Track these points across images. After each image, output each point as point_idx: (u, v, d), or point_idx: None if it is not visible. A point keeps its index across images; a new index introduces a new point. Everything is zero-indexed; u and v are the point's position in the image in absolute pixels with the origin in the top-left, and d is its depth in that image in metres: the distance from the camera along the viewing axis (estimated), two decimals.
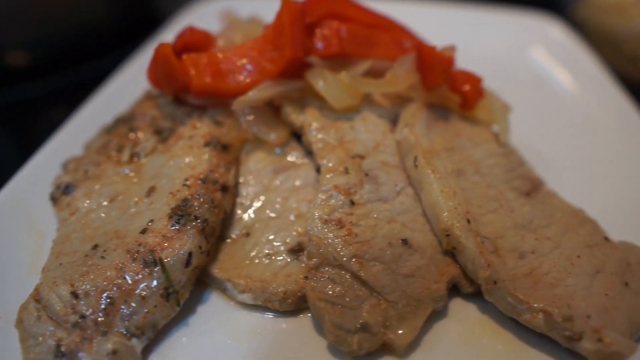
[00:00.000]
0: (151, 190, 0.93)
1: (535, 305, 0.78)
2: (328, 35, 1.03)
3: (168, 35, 1.54)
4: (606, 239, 0.90)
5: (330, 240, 0.84)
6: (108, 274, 0.81)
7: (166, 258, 0.82)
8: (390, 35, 1.09)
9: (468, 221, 0.86)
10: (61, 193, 0.97)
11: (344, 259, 0.83)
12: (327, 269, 0.83)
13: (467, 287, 0.87)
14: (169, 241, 0.84)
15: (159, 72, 1.01)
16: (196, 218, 0.87)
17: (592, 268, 0.84)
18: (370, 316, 0.79)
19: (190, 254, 0.83)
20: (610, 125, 1.23)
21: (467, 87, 1.03)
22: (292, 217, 0.95)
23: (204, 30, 1.09)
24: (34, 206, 1.01)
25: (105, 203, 0.94)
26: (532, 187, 0.98)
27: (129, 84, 1.29)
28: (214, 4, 1.71)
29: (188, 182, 0.91)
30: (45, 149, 1.11)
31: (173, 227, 0.85)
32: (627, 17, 1.46)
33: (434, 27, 1.51)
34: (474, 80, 1.04)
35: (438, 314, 0.86)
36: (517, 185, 0.97)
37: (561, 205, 0.95)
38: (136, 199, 0.93)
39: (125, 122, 1.07)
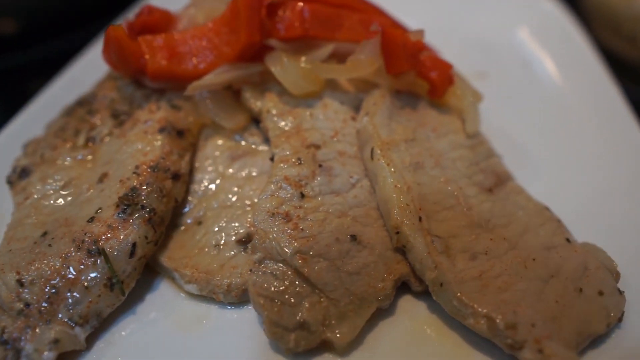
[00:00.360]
0: (103, 177, 0.92)
1: (480, 310, 0.75)
2: (290, 17, 0.99)
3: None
4: (568, 240, 0.86)
5: (275, 235, 0.82)
6: (53, 263, 0.81)
7: (110, 248, 0.82)
8: (359, 16, 1.04)
9: (420, 219, 0.83)
10: (17, 177, 0.97)
11: (288, 254, 0.81)
12: (269, 263, 0.82)
13: (417, 285, 0.85)
14: (114, 231, 0.83)
15: (112, 55, 0.98)
16: (143, 208, 0.86)
17: (546, 272, 0.81)
18: (309, 314, 0.78)
19: (134, 245, 0.83)
20: (594, 117, 1.15)
21: (435, 74, 0.97)
22: (245, 207, 0.93)
23: (163, 10, 1.05)
24: None
25: (58, 188, 0.94)
26: (496, 182, 0.93)
27: (96, 61, 1.27)
28: None
29: (138, 170, 0.90)
30: (8, 129, 1.11)
31: (119, 217, 0.84)
32: None
33: (420, 7, 1.45)
34: (444, 67, 0.98)
35: (386, 312, 0.85)
36: (480, 180, 0.93)
37: (525, 202, 0.91)
38: (88, 186, 0.92)
39: (84, 105, 1.06)
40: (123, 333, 0.84)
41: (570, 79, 1.28)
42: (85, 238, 0.83)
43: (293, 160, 0.90)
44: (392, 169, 0.87)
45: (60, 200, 0.92)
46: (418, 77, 0.99)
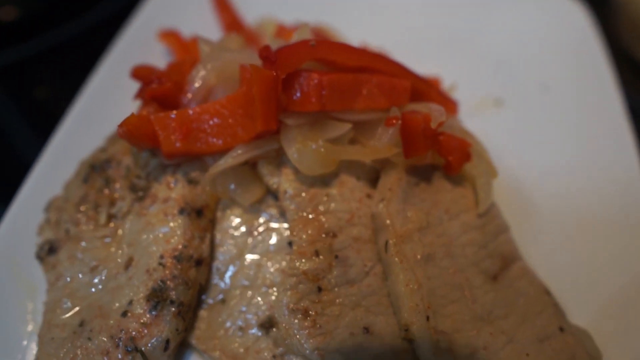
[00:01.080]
0: (129, 262, 0.97)
1: None
2: (307, 90, 0.95)
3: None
4: (561, 329, 0.95)
5: (296, 332, 0.90)
6: (95, 358, 0.90)
7: (145, 346, 0.90)
8: (378, 79, 0.99)
9: (427, 318, 0.91)
10: (46, 253, 1.02)
11: (307, 351, 0.90)
12: (291, 357, 0.91)
13: None
14: (148, 328, 0.91)
15: (130, 134, 0.96)
16: (172, 302, 0.92)
17: None
18: None
19: (167, 341, 0.91)
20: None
21: (452, 156, 0.97)
22: (265, 288, 1.00)
23: (174, 77, 1.00)
24: (24, 256, 1.06)
25: (88, 271, 0.99)
26: (502, 266, 0.99)
27: (105, 95, 1.23)
28: None
29: (163, 261, 0.94)
30: (25, 190, 1.12)
31: (151, 314, 0.91)
32: None
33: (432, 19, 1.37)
34: (462, 146, 0.97)
35: None
36: (487, 267, 0.98)
37: (526, 288, 0.98)
38: (116, 271, 0.97)
39: (100, 171, 1.06)
40: None
41: (590, 107, 1.26)
42: (122, 335, 0.90)
43: (310, 252, 0.94)
44: (405, 266, 0.92)
45: (91, 284, 0.98)
46: (436, 153, 0.99)
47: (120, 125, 0.94)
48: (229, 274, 1.02)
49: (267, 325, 0.97)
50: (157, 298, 0.92)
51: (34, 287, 1.04)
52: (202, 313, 1.00)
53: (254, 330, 0.97)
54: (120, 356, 0.90)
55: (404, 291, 0.91)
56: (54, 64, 1.59)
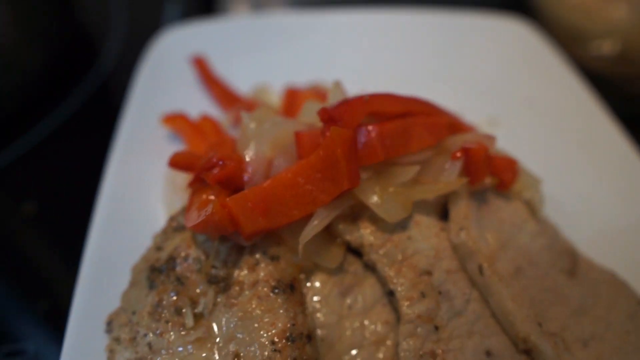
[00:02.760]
0: (236, 358, 0.90)
1: None
2: (371, 144, 0.98)
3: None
4: (639, 303, 1.05)
5: None
6: None
7: None
8: (421, 121, 1.06)
9: (540, 325, 0.96)
10: None
11: None
12: None
13: None
14: None
15: (208, 226, 0.91)
16: None
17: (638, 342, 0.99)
18: None
19: None
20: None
21: (506, 174, 1.06)
22: (373, 343, 0.98)
23: (235, 157, 0.97)
24: None
25: None
26: (573, 262, 1.08)
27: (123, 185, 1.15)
28: (167, 42, 1.49)
29: (276, 346, 0.89)
30: (75, 308, 0.99)
31: None
32: (592, 17, 1.52)
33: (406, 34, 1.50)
34: (511, 164, 1.07)
35: None
36: (563, 266, 1.07)
37: (599, 276, 1.08)
38: None
39: (166, 273, 0.98)
40: None
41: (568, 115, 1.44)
42: None
43: (416, 295, 0.95)
44: (505, 284, 0.97)
45: None
46: (490, 176, 1.07)
47: (199, 216, 0.90)
48: (334, 342, 0.98)
49: None
50: None
51: None
52: None
53: None
54: None
55: (512, 306, 0.95)
56: (33, 172, 1.44)
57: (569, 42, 1.60)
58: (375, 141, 0.98)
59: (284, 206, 0.95)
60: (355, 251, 1.05)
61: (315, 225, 0.95)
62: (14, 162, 1.44)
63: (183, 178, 1.17)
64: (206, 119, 1.31)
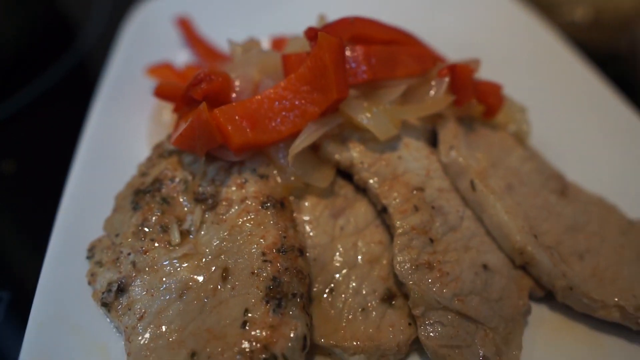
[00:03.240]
0: (225, 273, 0.85)
1: (609, 302, 0.90)
2: (358, 63, 0.98)
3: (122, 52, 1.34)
4: (630, 222, 1.05)
5: (429, 286, 0.86)
6: None
7: (283, 350, 0.78)
8: (408, 50, 1.07)
9: (535, 237, 0.94)
10: (114, 297, 0.85)
11: (447, 300, 0.86)
12: (431, 314, 0.86)
13: (540, 293, 0.96)
14: (279, 329, 0.79)
15: (194, 134, 0.88)
16: (294, 295, 0.82)
17: (633, 254, 0.98)
18: (485, 349, 0.85)
19: (305, 337, 0.80)
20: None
21: (491, 98, 1.07)
22: (369, 263, 0.94)
23: (221, 73, 0.96)
24: (78, 312, 0.87)
25: (175, 298, 0.84)
26: (562, 185, 1.08)
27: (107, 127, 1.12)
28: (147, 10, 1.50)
29: (267, 257, 0.85)
30: (55, 238, 0.94)
31: (275, 314, 0.80)
32: None
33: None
34: (496, 90, 1.08)
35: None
36: (553, 187, 1.06)
37: (589, 198, 1.08)
38: (211, 287, 0.84)
39: (151, 194, 0.94)
40: None
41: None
42: (253, 347, 0.77)
43: (409, 209, 0.93)
44: (497, 197, 0.96)
45: (185, 311, 0.83)
46: (477, 102, 1.07)
47: (185, 126, 0.87)
48: (326, 263, 0.94)
49: (387, 297, 0.91)
50: (277, 295, 0.81)
51: (102, 346, 0.84)
52: (314, 310, 0.90)
53: (376, 308, 0.90)
54: None
55: (506, 218, 0.94)
56: (13, 134, 1.39)
57: (542, 10, 1.66)
58: (361, 59, 0.98)
59: (273, 120, 0.93)
60: (346, 175, 1.03)
61: (304, 139, 0.93)
62: None
63: (168, 117, 1.15)
64: (191, 68, 1.30)
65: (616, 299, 0.89)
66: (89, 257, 0.91)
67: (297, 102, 0.94)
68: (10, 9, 1.55)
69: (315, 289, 0.92)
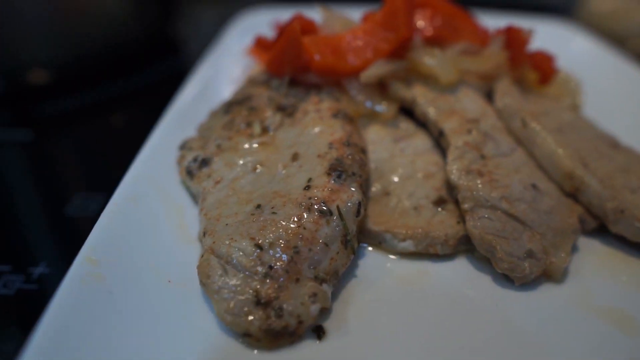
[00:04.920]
0: (295, 156, 0.98)
1: None
2: (426, 21, 1.16)
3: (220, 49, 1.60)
4: None
5: (479, 186, 0.93)
6: (287, 225, 0.84)
7: (341, 207, 0.87)
8: (469, 24, 1.24)
9: (585, 164, 0.99)
10: (198, 166, 0.99)
11: (495, 200, 0.92)
12: (480, 210, 0.92)
13: (592, 222, 0.98)
14: (337, 193, 0.88)
15: (285, 51, 1.07)
16: (354, 174, 0.92)
17: None
18: (532, 244, 0.88)
19: (360, 204, 0.88)
20: None
21: (544, 64, 1.19)
22: (425, 176, 1.03)
23: (310, 19, 1.17)
24: (166, 184, 1.01)
25: (250, 170, 0.97)
26: (615, 142, 1.14)
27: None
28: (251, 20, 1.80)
29: (333, 146, 0.97)
30: (153, 137, 1.12)
31: (336, 182, 0.90)
32: (627, 18, 1.72)
33: None
34: (550, 59, 1.21)
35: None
36: (606, 141, 1.12)
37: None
38: (281, 165, 0.97)
39: (241, 104, 1.11)
40: (354, 292, 0.86)
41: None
42: (312, 201, 0.87)
43: (464, 130, 1.03)
44: (548, 132, 1.04)
45: (257, 180, 0.95)
46: (532, 68, 1.20)
47: (291, 25, 1.06)
48: (385, 172, 1.04)
49: (439, 202, 0.98)
50: (339, 168, 0.92)
51: (180, 206, 0.97)
52: (370, 206, 0.99)
53: (428, 209, 0.97)
54: (314, 219, 0.85)
55: (555, 147, 1.01)
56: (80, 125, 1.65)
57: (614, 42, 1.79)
58: (429, 17, 1.16)
59: (350, 52, 1.11)
60: (408, 113, 1.15)
61: (374, 69, 1.09)
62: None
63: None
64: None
65: None
66: (181, 148, 1.07)
67: (372, 40, 1.11)
68: (132, 17, 1.90)
69: (372, 191, 1.01)
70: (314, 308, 0.78)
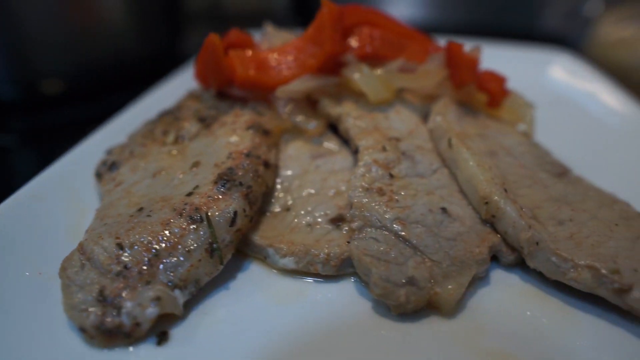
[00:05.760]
0: (195, 164, 0.96)
1: (581, 262, 0.78)
2: (362, 38, 1.12)
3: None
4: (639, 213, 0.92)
5: (373, 204, 0.86)
6: (153, 228, 0.82)
7: (212, 215, 0.83)
8: (418, 43, 1.18)
9: (505, 190, 0.89)
10: (107, 169, 1.01)
11: (387, 220, 0.84)
12: (369, 230, 0.84)
13: (508, 254, 0.87)
14: (215, 201, 0.85)
15: (207, 62, 1.08)
16: (241, 184, 0.89)
17: (631, 234, 0.85)
18: (416, 271, 0.79)
19: (235, 213, 0.85)
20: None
21: (492, 85, 1.10)
22: (331, 194, 0.97)
23: (247, 33, 1.18)
24: (80, 185, 1.03)
25: (150, 175, 0.97)
26: (562, 171, 1.01)
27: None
28: None
29: (232, 155, 0.95)
30: (90, 139, 1.16)
31: (218, 190, 0.87)
32: (633, 49, 1.58)
33: None
34: (499, 79, 1.12)
35: (482, 283, 0.86)
36: (549, 169, 1.00)
37: (592, 186, 0.98)
38: (180, 172, 0.96)
39: (169, 114, 1.13)
40: (218, 304, 0.82)
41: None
42: (187, 207, 0.84)
43: (379, 147, 0.97)
44: (472, 152, 0.94)
45: (153, 185, 0.94)
46: (477, 89, 1.11)
47: (209, 38, 1.07)
48: (293, 187, 1.00)
49: (338, 219, 0.92)
50: (226, 178, 0.89)
51: (86, 207, 0.98)
52: (267, 219, 0.94)
53: (323, 226, 0.91)
54: (183, 225, 0.82)
55: (477, 170, 0.91)
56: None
57: (613, 75, 1.64)
58: (367, 37, 1.13)
59: (275, 66, 1.10)
60: (337, 132, 1.11)
61: (296, 84, 1.06)
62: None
63: None
64: None
65: (589, 260, 0.77)
66: (106, 153, 1.10)
67: (300, 56, 1.10)
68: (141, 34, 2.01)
69: (274, 205, 0.97)
70: (151, 311, 0.74)
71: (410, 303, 0.77)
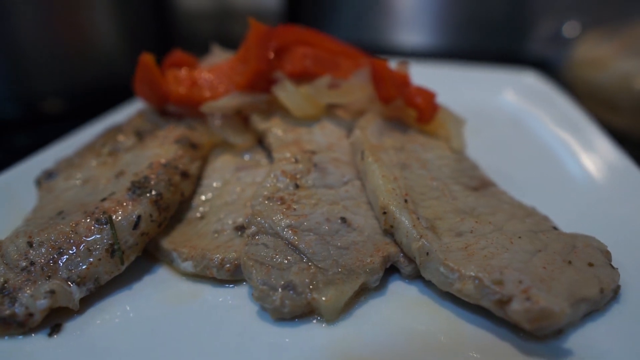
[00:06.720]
0: (120, 174, 1.02)
1: (466, 272, 0.76)
2: (294, 56, 1.16)
3: None
4: (555, 228, 0.90)
5: (269, 212, 0.88)
6: (62, 228, 0.88)
7: (116, 218, 0.88)
8: (350, 61, 1.21)
9: (405, 201, 0.89)
10: (45, 178, 1.08)
11: (279, 227, 0.86)
12: (262, 237, 0.86)
13: (406, 265, 0.87)
14: (122, 206, 0.90)
15: (142, 81, 1.15)
16: (151, 191, 0.94)
17: (532, 247, 0.82)
18: (296, 277, 0.80)
19: (139, 217, 0.89)
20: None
21: (420, 100, 1.11)
22: (245, 204, 1.00)
23: (189, 55, 1.26)
24: (25, 193, 1.11)
25: (79, 184, 1.04)
26: (481, 185, 1.00)
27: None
28: None
29: (151, 166, 1.00)
30: (46, 152, 1.25)
31: (129, 196, 0.92)
32: (603, 67, 1.54)
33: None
34: (428, 95, 1.12)
35: (376, 293, 0.86)
36: (465, 182, 0.99)
37: (510, 200, 0.97)
38: (105, 180, 1.02)
39: (115, 129, 1.21)
40: (116, 303, 0.86)
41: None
42: (96, 211, 0.90)
43: (291, 159, 1.00)
44: (380, 164, 0.96)
45: (80, 192, 1.01)
46: (406, 105, 1.13)
47: (142, 57, 1.14)
48: (211, 196, 1.04)
49: (242, 227, 0.94)
50: (138, 185, 0.95)
51: (25, 213, 1.06)
52: (180, 226, 0.98)
53: (228, 233, 0.94)
54: (89, 226, 0.87)
55: (380, 181, 0.92)
56: None
57: (589, 97, 1.59)
58: (298, 56, 1.16)
59: (207, 84, 1.16)
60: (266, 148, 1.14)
61: (224, 101, 1.12)
62: None
63: None
64: None
65: (474, 271, 0.76)
66: (55, 163, 1.18)
67: (230, 74, 1.15)
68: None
69: (191, 212, 1.01)
70: (42, 303, 0.80)
71: (286, 307, 0.78)
